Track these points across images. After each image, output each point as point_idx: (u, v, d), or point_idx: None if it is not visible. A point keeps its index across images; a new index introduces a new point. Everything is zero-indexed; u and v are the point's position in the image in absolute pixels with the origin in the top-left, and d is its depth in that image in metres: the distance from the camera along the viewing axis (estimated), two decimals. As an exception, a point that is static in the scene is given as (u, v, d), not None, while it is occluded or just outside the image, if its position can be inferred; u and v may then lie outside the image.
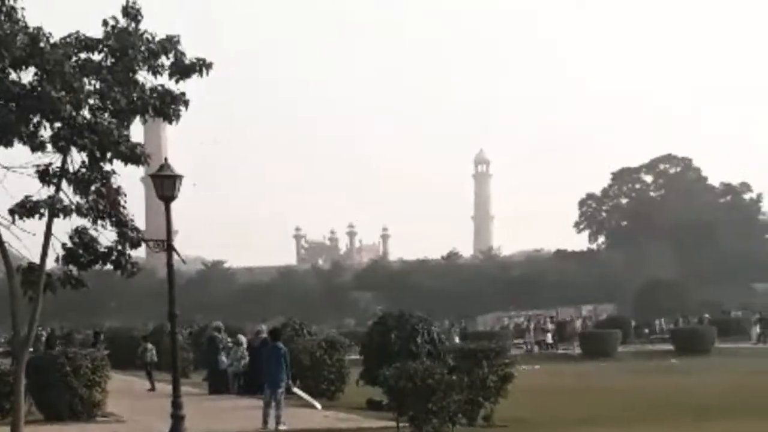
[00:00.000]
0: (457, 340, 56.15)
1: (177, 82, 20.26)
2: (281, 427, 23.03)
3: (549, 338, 65.18)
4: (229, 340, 37.08)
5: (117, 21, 19.79)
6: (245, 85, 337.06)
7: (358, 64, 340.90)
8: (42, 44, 18.81)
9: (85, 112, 19.41)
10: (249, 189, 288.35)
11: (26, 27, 18.64)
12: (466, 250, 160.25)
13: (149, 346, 40.01)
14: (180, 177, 21.59)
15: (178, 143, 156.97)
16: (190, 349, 47.39)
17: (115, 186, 20.03)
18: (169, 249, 21.64)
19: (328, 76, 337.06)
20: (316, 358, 31.97)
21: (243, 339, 36.16)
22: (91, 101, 19.44)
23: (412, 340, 27.86)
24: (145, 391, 36.31)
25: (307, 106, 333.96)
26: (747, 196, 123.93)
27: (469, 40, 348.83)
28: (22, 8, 18.82)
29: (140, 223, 21.67)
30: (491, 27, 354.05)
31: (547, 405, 29.53)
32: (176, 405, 21.40)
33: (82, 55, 19.57)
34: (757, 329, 64.71)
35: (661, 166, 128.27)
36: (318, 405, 24.58)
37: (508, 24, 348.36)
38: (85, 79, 19.36)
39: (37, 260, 19.94)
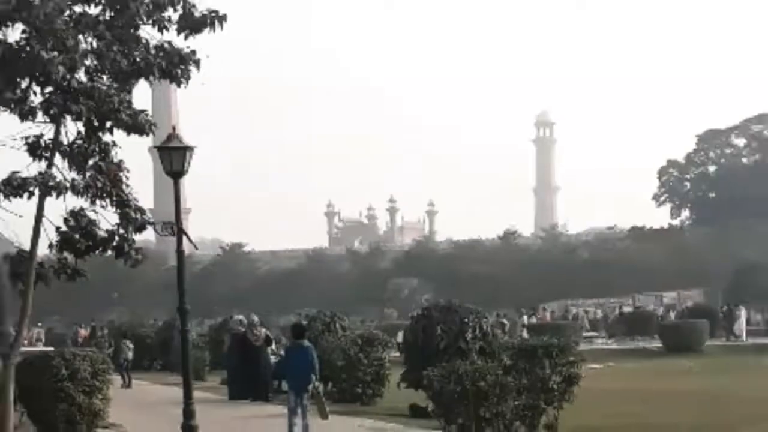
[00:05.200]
0: (525, 334, 56.16)
1: (186, 38, 20.37)
2: (311, 439, 22.93)
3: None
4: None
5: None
6: (268, 38, 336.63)
7: (399, 21, 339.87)
8: (30, -3, 19.00)
9: (81, 75, 19.60)
10: (273, 159, 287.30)
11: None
12: (527, 229, 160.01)
13: (129, 344, 41.52)
14: (191, 148, 21.60)
15: (189, 109, 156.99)
16: (206, 347, 47.63)
17: (116, 160, 20.19)
18: (179, 232, 21.62)
19: (368, 31, 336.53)
20: (351, 357, 32.02)
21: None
22: (87, 62, 19.61)
23: (461, 336, 27.91)
24: (142, 397, 36.69)
25: (341, 59, 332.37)
26: None
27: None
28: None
29: (147, 202, 21.82)
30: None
31: (620, 411, 29.39)
32: (188, 413, 21.46)
33: (77, 9, 19.74)
34: None
35: (755, 128, 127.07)
36: (327, 416, 23.70)
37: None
38: (81, 37, 19.52)
39: (26, 247, 20.15)
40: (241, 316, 41.11)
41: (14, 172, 19.05)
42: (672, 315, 75.10)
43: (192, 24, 20.02)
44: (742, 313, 66.39)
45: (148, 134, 20.39)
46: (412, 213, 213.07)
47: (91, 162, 19.84)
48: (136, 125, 19.86)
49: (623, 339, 66.98)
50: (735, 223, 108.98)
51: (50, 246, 19.98)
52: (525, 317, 69.93)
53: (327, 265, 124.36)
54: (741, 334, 63.67)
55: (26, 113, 19.50)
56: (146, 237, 23.88)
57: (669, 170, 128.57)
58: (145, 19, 19.82)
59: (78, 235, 19.73)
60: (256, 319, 38.19)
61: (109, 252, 20.28)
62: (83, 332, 65.74)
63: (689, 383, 39.70)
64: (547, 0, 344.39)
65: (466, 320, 28.30)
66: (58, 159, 19.73)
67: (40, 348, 57.84)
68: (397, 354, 34.07)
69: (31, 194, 19.19)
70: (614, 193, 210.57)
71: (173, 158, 21.36)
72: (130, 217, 19.96)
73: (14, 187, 18.95)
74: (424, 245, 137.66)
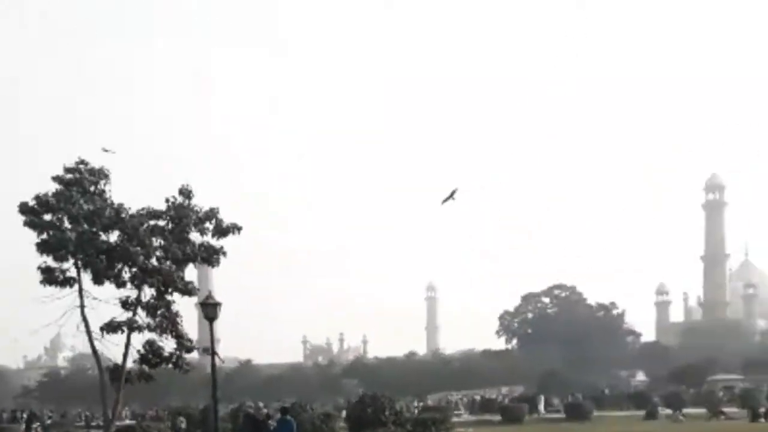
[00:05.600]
0: (416, 412, 55.31)
1: (217, 239, 20.59)
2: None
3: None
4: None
5: (175, 198, 20.25)
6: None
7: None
8: (123, 215, 19.19)
9: (153, 261, 19.69)
10: (268, 307, 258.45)
11: (112, 203, 19.05)
12: (422, 350, 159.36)
13: (182, 419, 40.33)
14: (220, 304, 21.57)
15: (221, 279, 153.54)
16: (229, 419, 46.46)
17: (174, 311, 20.13)
18: (212, 355, 21.49)
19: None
20: (317, 425, 31.58)
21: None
22: (158, 253, 19.73)
23: (381, 413, 27.67)
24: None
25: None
26: (615, 312, 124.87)
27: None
28: (109, 189, 19.27)
29: (193, 335, 21.66)
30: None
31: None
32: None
33: (151, 222, 19.94)
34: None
35: (555, 291, 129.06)
36: None
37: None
38: (153, 238, 19.70)
39: (119, 362, 19.91)
40: (250, 402, 40.55)
41: (113, 318, 18.96)
42: (506, 400, 73.99)
43: (221, 231, 20.32)
44: (542, 399, 66.01)
45: (193, 295, 20.40)
46: (354, 341, 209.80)
47: (159, 312, 19.80)
48: (187, 290, 19.91)
49: (480, 414, 65.86)
50: (542, 348, 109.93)
51: (134, 361, 19.78)
52: (416, 401, 69.44)
53: (302, 372, 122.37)
54: (541, 412, 62.95)
55: (121, 283, 19.57)
56: (192, 356, 23.63)
57: (505, 316, 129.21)
58: (193, 228, 20.07)
59: (151, 355, 19.58)
60: (261, 404, 37.88)
61: (170, 365, 20.09)
62: (150, 413, 63.51)
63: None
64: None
65: (384, 404, 28.12)
66: (139, 311, 19.69)
67: (127, 422, 55.93)
68: (343, 424, 33.59)
69: (123, 331, 19.09)
70: (473, 329, 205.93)
71: (208, 310, 21.27)
72: (183, 344, 19.84)
73: (113, 327, 18.87)
74: (360, 360, 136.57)
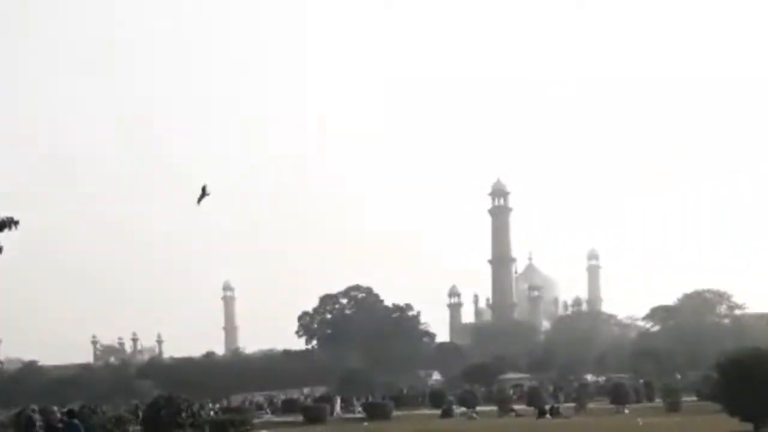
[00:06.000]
0: (212, 413, 53.68)
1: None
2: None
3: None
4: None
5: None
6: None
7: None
8: None
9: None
10: (54, 305, 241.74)
11: None
12: (220, 350, 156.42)
13: None
14: None
15: None
16: (11, 425, 43.10)
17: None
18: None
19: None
20: (108, 429, 29.71)
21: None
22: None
23: (178, 415, 26.35)
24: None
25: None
26: (410, 313, 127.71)
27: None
28: None
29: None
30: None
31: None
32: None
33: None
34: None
35: (352, 293, 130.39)
36: None
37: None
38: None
39: None
40: (34, 405, 38.02)
41: None
42: (308, 400, 73.58)
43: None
44: (338, 399, 66.36)
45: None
46: (149, 341, 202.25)
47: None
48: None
49: (282, 415, 64.99)
50: (342, 348, 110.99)
51: None
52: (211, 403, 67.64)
53: (93, 374, 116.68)
54: (337, 412, 63.07)
55: None
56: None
57: (304, 317, 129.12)
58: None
59: None
60: (55, 408, 36.00)
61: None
62: None
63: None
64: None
65: (181, 406, 26.81)
66: None
67: None
68: (138, 427, 31.90)
69: None
70: (273, 328, 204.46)
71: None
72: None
73: None
74: (155, 360, 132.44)
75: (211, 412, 52.16)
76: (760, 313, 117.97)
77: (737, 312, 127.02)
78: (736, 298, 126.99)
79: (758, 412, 30.65)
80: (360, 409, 62.90)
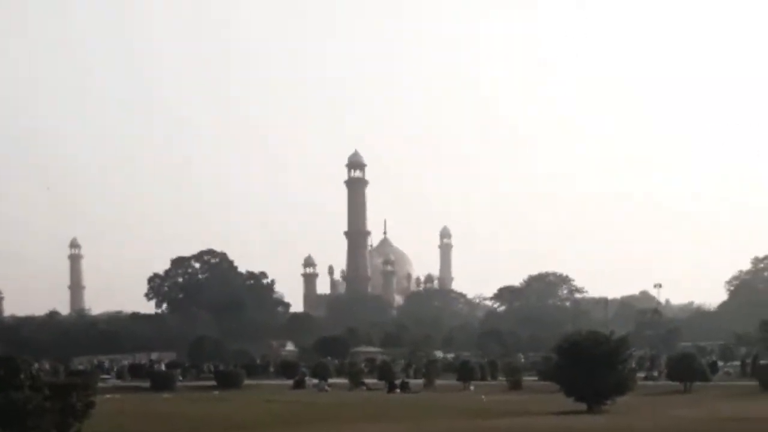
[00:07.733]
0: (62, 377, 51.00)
1: None
2: None
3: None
4: None
5: None
6: None
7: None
8: None
9: None
10: None
11: None
12: (65, 310, 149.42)
13: None
14: None
15: None
16: None
17: None
18: None
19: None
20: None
21: None
22: None
23: (15, 376, 24.40)
24: None
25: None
26: (264, 281, 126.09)
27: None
28: None
29: None
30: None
31: (122, 425, 26.87)
32: None
33: None
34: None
35: (206, 257, 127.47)
36: None
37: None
38: None
39: None
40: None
41: None
42: (158, 366, 70.49)
43: None
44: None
45: None
46: None
47: None
48: None
49: (128, 380, 62.62)
50: (194, 314, 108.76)
51: None
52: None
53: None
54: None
55: None
56: None
57: (155, 279, 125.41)
58: None
59: None
60: None
61: None
62: None
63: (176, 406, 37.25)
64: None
65: (21, 367, 24.78)
66: None
67: None
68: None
69: None
70: (123, 290, 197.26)
71: None
72: None
73: None
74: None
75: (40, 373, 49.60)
76: (597, 297, 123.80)
77: (577, 296, 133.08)
78: (577, 282, 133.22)
79: (592, 392, 31.83)
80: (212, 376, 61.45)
